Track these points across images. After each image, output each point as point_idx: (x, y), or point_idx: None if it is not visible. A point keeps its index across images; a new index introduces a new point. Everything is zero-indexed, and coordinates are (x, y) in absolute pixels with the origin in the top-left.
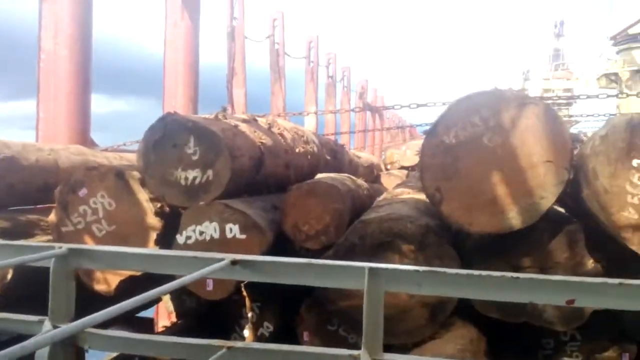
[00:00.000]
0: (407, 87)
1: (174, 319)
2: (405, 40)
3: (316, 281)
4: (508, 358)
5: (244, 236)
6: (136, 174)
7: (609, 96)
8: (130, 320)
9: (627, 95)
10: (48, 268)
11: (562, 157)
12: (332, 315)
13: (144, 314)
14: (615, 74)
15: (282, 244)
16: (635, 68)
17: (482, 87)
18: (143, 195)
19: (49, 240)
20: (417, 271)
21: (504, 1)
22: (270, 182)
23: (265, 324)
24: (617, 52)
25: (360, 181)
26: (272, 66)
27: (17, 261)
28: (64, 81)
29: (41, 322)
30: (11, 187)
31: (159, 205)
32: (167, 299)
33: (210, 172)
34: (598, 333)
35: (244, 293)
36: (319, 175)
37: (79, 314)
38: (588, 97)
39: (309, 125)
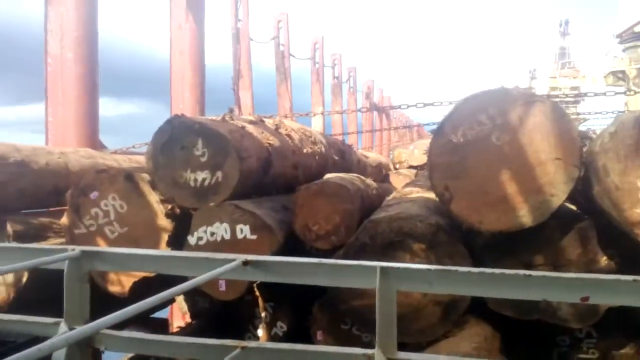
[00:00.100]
0: (413, 87)
1: (188, 319)
2: (411, 40)
3: (328, 281)
4: (523, 356)
5: (254, 237)
6: (146, 176)
7: (616, 94)
8: (145, 321)
9: (635, 93)
10: (62, 270)
11: (571, 155)
12: (345, 315)
13: (158, 314)
14: (622, 72)
15: (292, 245)
16: None
17: (489, 86)
18: (153, 197)
19: (62, 243)
20: (429, 270)
21: (509, 1)
22: (278, 183)
23: (279, 323)
24: (624, 50)
25: (369, 181)
26: (278, 67)
27: (31, 264)
28: (71, 84)
29: (57, 324)
30: (22, 191)
31: (169, 206)
32: (180, 299)
33: (219, 174)
34: (614, 330)
35: (257, 293)
36: (328, 176)
37: (94, 316)
38: (596, 94)
39: (315, 126)
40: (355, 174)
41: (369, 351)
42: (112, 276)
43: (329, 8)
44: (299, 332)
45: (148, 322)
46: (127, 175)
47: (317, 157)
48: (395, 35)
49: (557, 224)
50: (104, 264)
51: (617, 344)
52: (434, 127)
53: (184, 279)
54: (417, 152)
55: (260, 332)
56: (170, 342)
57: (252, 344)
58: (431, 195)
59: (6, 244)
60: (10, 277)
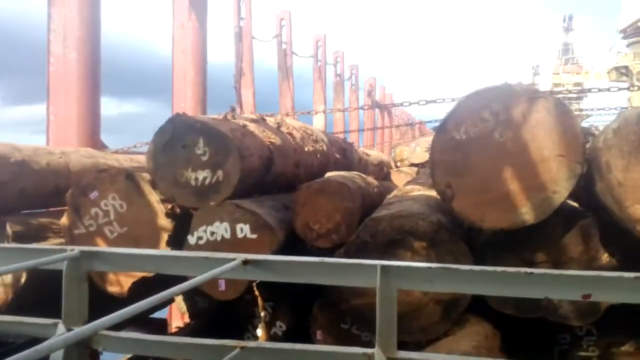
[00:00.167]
0: (415, 85)
1: (187, 319)
2: (413, 38)
3: (328, 280)
4: (523, 354)
5: (255, 236)
6: (146, 175)
7: (620, 89)
8: (143, 322)
9: (639, 88)
10: (61, 271)
11: (574, 151)
12: (345, 314)
13: (157, 315)
14: (626, 67)
15: (293, 243)
16: None
17: (491, 83)
18: (154, 197)
19: (61, 243)
20: (430, 268)
21: None
22: (280, 182)
23: (278, 323)
24: (627, 45)
25: (370, 179)
26: (280, 66)
27: (30, 264)
28: (73, 84)
29: (55, 324)
30: (23, 191)
31: (169, 206)
32: (179, 299)
33: (220, 173)
34: (615, 327)
35: (256, 293)
36: (329, 174)
37: (92, 316)
38: (599, 90)
39: (317, 124)
40: (356, 172)
41: (369, 350)
42: (111, 276)
43: (331, 6)
44: (299, 332)
45: (147, 322)
46: (128, 175)
47: (318, 156)
48: (397, 33)
49: (559, 221)
50: (103, 264)
51: (618, 341)
52: (436, 124)
53: (183, 278)
54: (418, 150)
55: (260, 331)
56: (169, 343)
57: (251, 344)
58: (432, 193)
59: (5, 245)
60: (8, 278)
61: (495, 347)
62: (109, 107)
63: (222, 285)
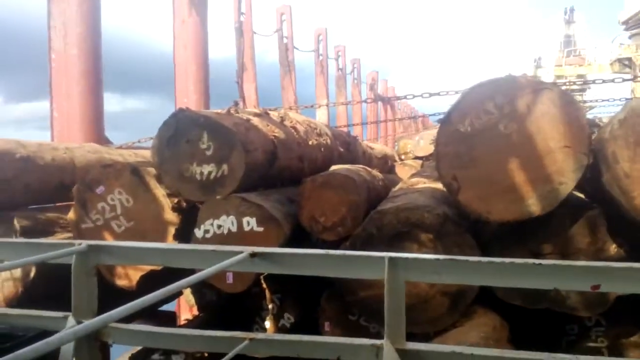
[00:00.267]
0: (417, 78)
1: (195, 312)
2: (414, 31)
3: (336, 272)
4: (532, 345)
5: (261, 229)
6: (152, 170)
7: (624, 80)
8: (152, 314)
9: None
10: (70, 265)
11: (580, 142)
12: (353, 306)
13: (166, 307)
14: (629, 59)
15: (299, 237)
16: None
17: (494, 76)
18: (159, 191)
19: (68, 238)
20: (438, 260)
21: None
22: (284, 175)
23: (286, 315)
24: (630, 37)
25: (375, 172)
26: (282, 60)
27: (38, 259)
28: (75, 80)
29: (65, 317)
30: (28, 186)
31: (175, 200)
32: (188, 292)
33: (225, 167)
34: (623, 318)
35: (264, 285)
36: (334, 167)
37: (102, 309)
38: (604, 81)
39: (320, 118)
40: (361, 166)
41: (377, 342)
42: (120, 270)
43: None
44: (306, 324)
45: (155, 315)
46: (133, 170)
47: (322, 149)
48: (399, 26)
49: (565, 213)
50: (111, 257)
51: (626, 332)
52: (440, 117)
53: (191, 271)
54: (422, 143)
55: (268, 323)
56: (178, 335)
57: (260, 335)
58: (438, 185)
59: (13, 239)
60: (18, 272)
61: (503, 338)
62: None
63: (230, 278)
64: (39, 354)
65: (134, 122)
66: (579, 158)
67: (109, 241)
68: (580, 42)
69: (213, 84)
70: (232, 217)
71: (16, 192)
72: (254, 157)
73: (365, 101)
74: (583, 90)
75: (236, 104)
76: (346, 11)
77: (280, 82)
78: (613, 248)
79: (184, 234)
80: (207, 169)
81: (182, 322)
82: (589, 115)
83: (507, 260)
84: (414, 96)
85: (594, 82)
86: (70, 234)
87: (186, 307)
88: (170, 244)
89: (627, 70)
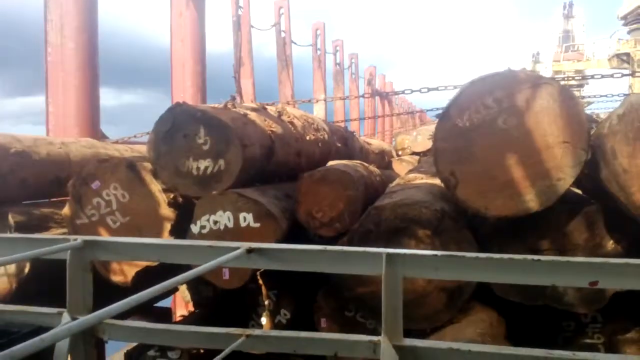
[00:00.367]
0: (415, 73)
1: (191, 308)
2: (412, 26)
3: (334, 268)
4: (528, 341)
5: (258, 225)
6: (148, 165)
7: (623, 75)
8: (147, 310)
9: None
10: (64, 261)
11: (578, 138)
12: (349, 302)
13: (161, 303)
14: (627, 54)
15: (296, 233)
16: None
17: (493, 70)
18: (155, 186)
19: (64, 233)
20: (436, 256)
21: None
22: (281, 171)
23: (283, 311)
24: (628, 32)
25: (373, 167)
26: (279, 55)
27: (33, 254)
28: (71, 74)
29: (60, 314)
30: (24, 181)
31: (171, 195)
32: (183, 288)
33: (221, 162)
34: (619, 314)
35: (260, 281)
36: (331, 163)
37: (97, 306)
38: (602, 76)
39: (318, 113)
40: (358, 161)
41: (374, 338)
42: (115, 266)
43: None
44: (303, 320)
45: (151, 311)
46: (129, 165)
47: (320, 144)
48: (397, 20)
49: (563, 209)
50: (107, 253)
51: (623, 328)
52: (438, 112)
53: (188, 267)
54: (420, 138)
55: (264, 320)
56: (174, 331)
57: (256, 332)
58: (435, 181)
59: (8, 235)
60: (12, 268)
61: (500, 334)
62: (107, 97)
63: (226, 274)
64: (34, 351)
65: (131, 117)
66: (578, 154)
67: (105, 237)
68: (578, 37)
69: (210, 79)
70: (228, 213)
71: (11, 187)
72: (251, 152)
73: (362, 96)
74: (581, 85)
75: (233, 98)
76: (344, 6)
77: (278, 76)
78: (610, 244)
79: (180, 229)
80: (203, 164)
81: (178, 319)
82: (587, 110)
83: (506, 256)
84: (412, 91)
85: (592, 77)
86: (65, 230)
87: (182, 303)
88: (166, 239)
89: (626, 65)
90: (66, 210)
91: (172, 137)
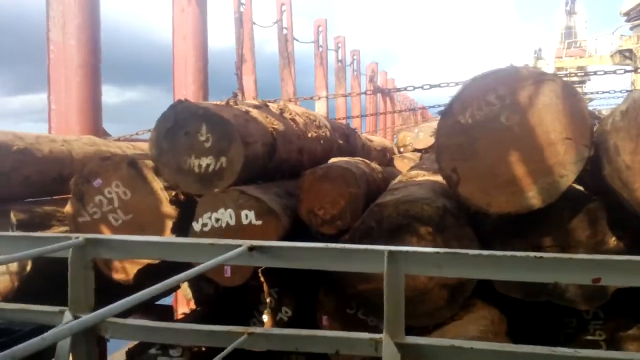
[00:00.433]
0: (417, 69)
1: (192, 306)
2: (414, 22)
3: (335, 265)
4: (530, 338)
5: (259, 222)
6: (149, 162)
7: (626, 72)
8: (149, 308)
9: None
10: (66, 259)
11: (581, 134)
12: (351, 299)
13: (163, 301)
14: (630, 51)
15: (298, 230)
16: None
17: (495, 67)
18: (157, 184)
19: (66, 231)
20: (438, 253)
21: None
22: (283, 168)
23: (284, 309)
24: (631, 29)
25: (374, 164)
26: (281, 51)
27: (35, 252)
28: (73, 72)
29: (61, 312)
30: (26, 179)
31: (173, 193)
32: (185, 286)
33: (223, 159)
34: (621, 311)
35: (262, 279)
36: (333, 160)
37: (99, 304)
38: (605, 73)
39: (320, 110)
40: (360, 158)
41: (376, 336)
42: (117, 264)
43: None
44: (304, 318)
45: (153, 309)
46: (131, 162)
47: (321, 141)
48: (399, 17)
49: (566, 205)
50: (109, 251)
51: (624, 325)
52: (440, 109)
53: (189, 265)
54: (421, 135)
55: (265, 317)
56: (176, 329)
57: (258, 329)
58: (437, 178)
59: (10, 233)
60: (14, 266)
61: (501, 331)
62: (110, 95)
63: (228, 272)
64: (35, 350)
65: (132, 114)
66: (581, 150)
67: (107, 235)
68: (581, 34)
69: (212, 75)
70: (230, 210)
71: (14, 185)
72: (253, 150)
73: (364, 93)
74: (583, 82)
75: (235, 95)
76: (346, 2)
77: (280, 73)
78: (613, 241)
79: (182, 227)
80: (205, 161)
81: (180, 316)
82: (589, 107)
83: (508, 253)
84: (414, 88)
85: (595, 73)
86: (67, 228)
87: (184, 301)
88: (168, 237)
89: (628, 62)
90: (68, 208)
91: (174, 134)
